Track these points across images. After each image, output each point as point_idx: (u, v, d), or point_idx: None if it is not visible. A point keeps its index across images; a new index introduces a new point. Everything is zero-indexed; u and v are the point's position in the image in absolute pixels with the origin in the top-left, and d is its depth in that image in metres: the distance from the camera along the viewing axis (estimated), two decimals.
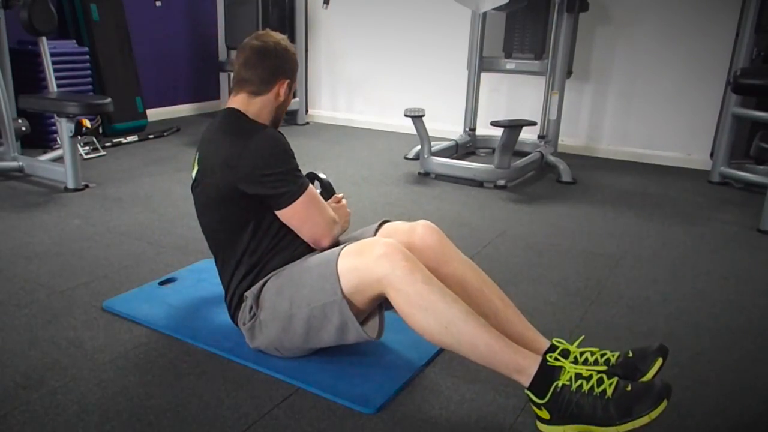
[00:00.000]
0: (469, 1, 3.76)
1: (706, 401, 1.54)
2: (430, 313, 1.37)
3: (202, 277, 2.10)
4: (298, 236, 1.63)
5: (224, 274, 1.68)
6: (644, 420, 1.24)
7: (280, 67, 1.64)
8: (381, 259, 1.40)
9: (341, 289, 1.44)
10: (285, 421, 1.40)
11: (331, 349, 1.66)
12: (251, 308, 1.60)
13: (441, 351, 1.71)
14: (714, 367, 1.71)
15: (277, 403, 1.47)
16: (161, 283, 2.07)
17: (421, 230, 1.61)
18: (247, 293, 1.61)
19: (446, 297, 1.39)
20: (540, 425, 1.37)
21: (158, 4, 5.01)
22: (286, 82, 1.66)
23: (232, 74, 1.70)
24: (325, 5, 5.07)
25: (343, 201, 1.81)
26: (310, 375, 1.56)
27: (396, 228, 1.64)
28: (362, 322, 1.50)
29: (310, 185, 1.60)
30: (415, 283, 1.38)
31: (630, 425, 1.25)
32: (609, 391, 1.29)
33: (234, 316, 1.69)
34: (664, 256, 2.56)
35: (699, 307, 2.08)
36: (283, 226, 1.61)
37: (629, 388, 1.29)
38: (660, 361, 1.43)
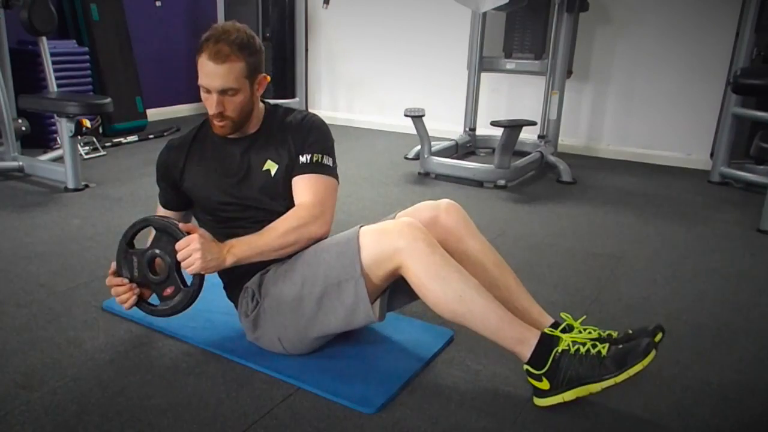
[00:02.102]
0: (469, 1, 3.76)
1: (706, 401, 1.54)
2: (446, 283, 1.42)
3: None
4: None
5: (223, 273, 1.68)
6: (638, 367, 1.35)
7: None
8: (403, 231, 1.45)
9: (361, 264, 1.44)
10: (285, 421, 1.40)
11: (331, 349, 1.66)
12: (254, 296, 1.60)
13: (441, 351, 1.71)
14: (714, 367, 1.71)
15: (277, 403, 1.47)
16: None
17: (446, 206, 1.64)
18: (248, 284, 1.62)
19: (460, 271, 1.46)
20: (538, 401, 1.44)
21: (158, 4, 5.01)
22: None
23: None
24: (325, 5, 5.08)
25: (189, 246, 1.47)
26: (310, 375, 1.56)
27: (424, 204, 1.66)
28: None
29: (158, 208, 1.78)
30: (433, 255, 1.43)
31: (625, 374, 1.35)
32: (603, 351, 1.39)
33: (237, 307, 1.70)
34: (664, 256, 2.56)
35: (699, 307, 2.08)
36: (259, 220, 1.60)
37: (621, 347, 1.39)
38: (659, 335, 1.45)
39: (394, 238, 1.44)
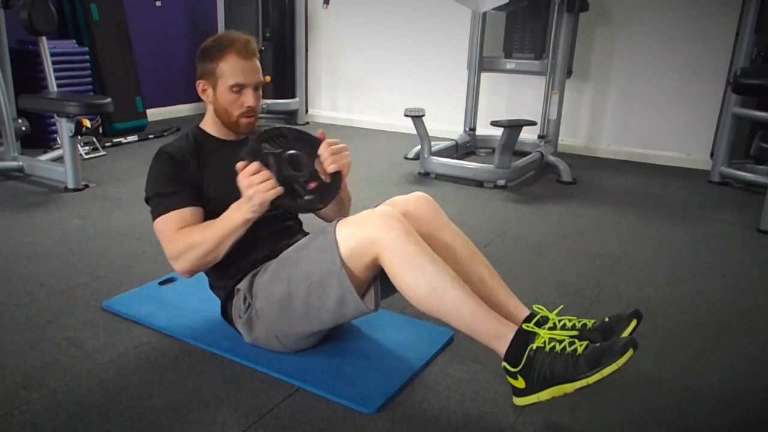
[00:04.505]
0: (469, 1, 3.76)
1: (706, 401, 1.54)
2: (419, 274, 1.41)
3: (202, 276, 2.09)
4: (276, 226, 1.70)
5: (208, 273, 1.71)
6: (612, 368, 1.26)
7: (197, 70, 1.68)
8: (376, 222, 1.45)
9: (340, 256, 1.45)
10: (285, 421, 1.40)
11: (331, 349, 1.66)
12: (245, 299, 1.60)
13: (441, 351, 1.71)
14: (714, 367, 1.71)
15: (277, 403, 1.47)
16: (161, 283, 2.07)
17: (416, 199, 1.65)
18: (239, 286, 1.62)
19: (436, 261, 1.44)
20: (516, 400, 1.39)
21: (158, 4, 5.01)
22: (202, 83, 1.67)
23: None
24: (325, 5, 5.08)
25: (339, 145, 1.62)
26: (310, 375, 1.56)
27: (393, 200, 1.67)
28: (360, 297, 1.50)
29: (164, 216, 1.59)
30: (408, 244, 1.42)
31: (598, 375, 1.28)
32: (580, 350, 1.33)
33: (227, 314, 1.70)
34: (664, 256, 2.56)
35: (699, 307, 2.08)
36: (259, 220, 1.58)
37: (598, 345, 1.34)
38: (634, 322, 1.46)
39: (369, 229, 1.44)
